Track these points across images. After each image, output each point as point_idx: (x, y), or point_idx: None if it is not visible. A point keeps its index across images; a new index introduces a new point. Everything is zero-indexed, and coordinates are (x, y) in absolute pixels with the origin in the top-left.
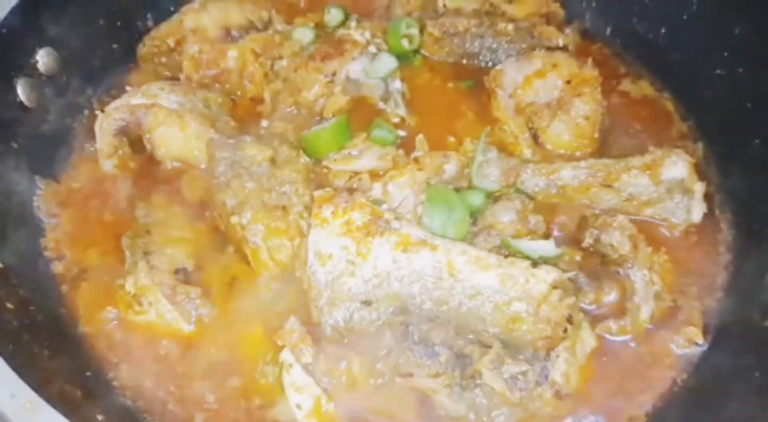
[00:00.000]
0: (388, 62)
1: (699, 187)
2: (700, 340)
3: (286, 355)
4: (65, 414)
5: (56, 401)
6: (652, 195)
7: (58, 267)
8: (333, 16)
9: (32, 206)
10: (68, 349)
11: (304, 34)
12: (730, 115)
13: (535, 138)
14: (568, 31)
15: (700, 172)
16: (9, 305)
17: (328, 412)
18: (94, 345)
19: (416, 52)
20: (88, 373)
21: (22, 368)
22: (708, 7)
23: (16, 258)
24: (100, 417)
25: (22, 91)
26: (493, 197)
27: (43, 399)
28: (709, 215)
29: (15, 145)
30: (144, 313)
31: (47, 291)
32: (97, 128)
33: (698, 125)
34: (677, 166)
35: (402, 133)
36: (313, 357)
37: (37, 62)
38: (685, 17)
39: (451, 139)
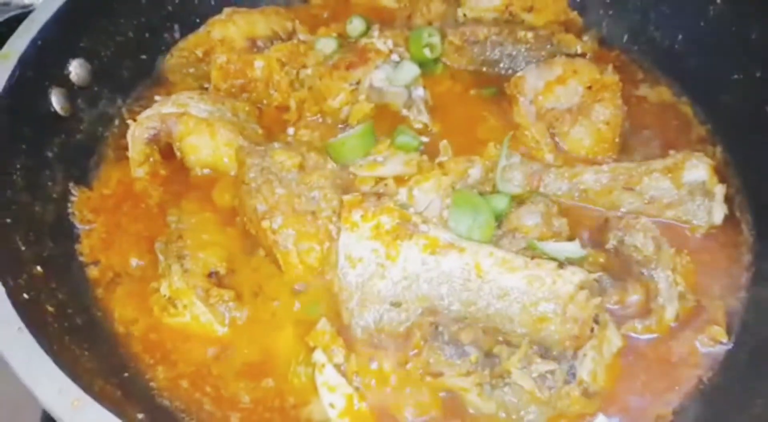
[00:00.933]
0: (410, 70)
1: (719, 190)
2: (725, 339)
3: (318, 356)
4: (111, 412)
5: (100, 399)
6: (673, 197)
7: (93, 272)
8: (355, 26)
9: (67, 213)
10: (106, 351)
11: (326, 44)
12: (748, 118)
13: (556, 143)
14: (586, 38)
15: (720, 175)
16: (49, 308)
17: (361, 410)
18: (131, 347)
19: (437, 60)
20: (126, 374)
21: (66, 367)
22: (724, 13)
23: (54, 264)
24: (140, 416)
25: (56, 101)
26: (517, 201)
27: (90, 396)
28: (729, 217)
29: (50, 154)
30: (179, 316)
31: (83, 295)
32: (129, 137)
33: (717, 129)
34: (698, 169)
35: (425, 139)
36: (345, 357)
37: (69, 73)
38: (701, 23)
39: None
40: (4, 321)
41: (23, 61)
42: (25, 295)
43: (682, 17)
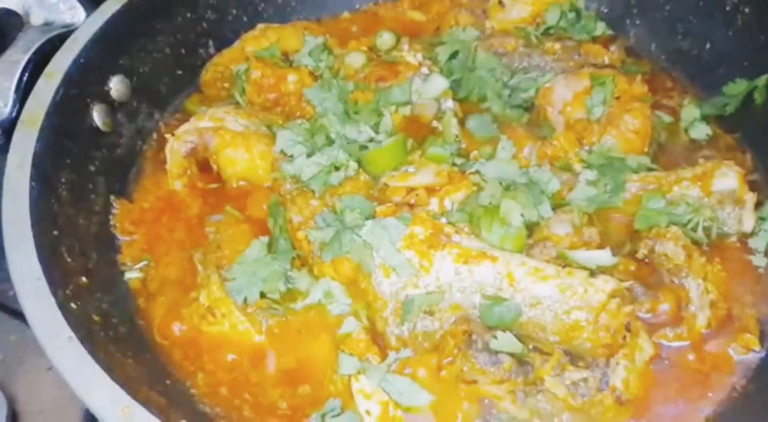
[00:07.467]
0: (439, 84)
1: (750, 198)
2: (757, 347)
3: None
4: (158, 418)
5: (146, 407)
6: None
7: (134, 283)
8: (385, 40)
9: (109, 225)
10: (149, 359)
11: (356, 58)
12: None
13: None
14: (613, 48)
15: (750, 183)
16: (95, 318)
17: (396, 417)
18: (171, 355)
19: None
20: (168, 381)
21: (115, 376)
22: (752, 22)
23: (98, 274)
24: None
25: (97, 116)
26: None
27: (139, 403)
28: None
29: (92, 168)
30: (217, 324)
31: (126, 304)
32: (167, 151)
33: (746, 137)
34: (728, 178)
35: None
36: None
37: (110, 90)
38: (729, 33)
39: None
40: (55, 331)
41: (67, 79)
42: (73, 305)
43: (710, 26)
